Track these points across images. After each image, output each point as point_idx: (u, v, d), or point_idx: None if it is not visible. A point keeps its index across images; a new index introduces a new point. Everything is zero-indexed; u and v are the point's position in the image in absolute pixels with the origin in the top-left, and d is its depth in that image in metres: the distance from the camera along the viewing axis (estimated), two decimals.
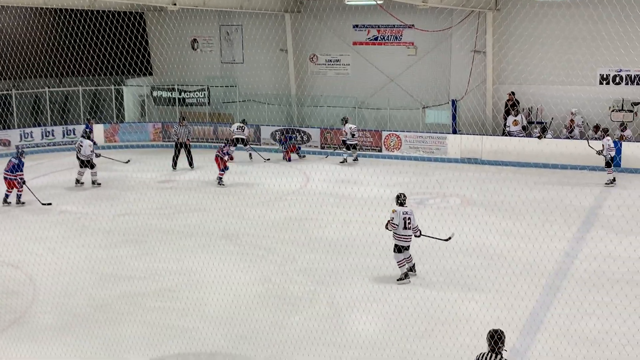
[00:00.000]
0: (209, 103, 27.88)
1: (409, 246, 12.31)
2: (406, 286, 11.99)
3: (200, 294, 11.81)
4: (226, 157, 20.16)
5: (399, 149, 24.13)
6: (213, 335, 10.35)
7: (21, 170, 17.65)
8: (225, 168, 20.06)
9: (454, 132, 24.42)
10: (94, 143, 21.81)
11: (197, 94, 27.75)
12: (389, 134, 24.41)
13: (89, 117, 24.39)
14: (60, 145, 25.44)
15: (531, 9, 23.09)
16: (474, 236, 14.55)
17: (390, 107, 25.60)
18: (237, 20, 28.28)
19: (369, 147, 24.81)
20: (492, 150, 23.05)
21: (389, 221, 12.13)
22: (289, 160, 24.09)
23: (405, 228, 12.11)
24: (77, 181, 19.81)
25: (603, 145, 19.54)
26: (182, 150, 22.53)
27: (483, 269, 12.87)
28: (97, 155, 19.89)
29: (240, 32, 28.54)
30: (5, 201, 17.83)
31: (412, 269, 12.52)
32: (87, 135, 20.30)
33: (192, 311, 11.22)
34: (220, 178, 20.10)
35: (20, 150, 18.11)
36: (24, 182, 17.73)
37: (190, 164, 22.62)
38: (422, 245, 13.98)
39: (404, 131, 24.47)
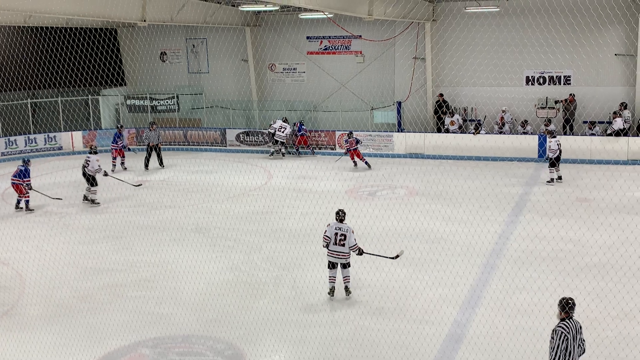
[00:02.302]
0: (178, 109, 27.66)
1: (343, 264, 10.87)
2: (358, 268, 11.97)
3: (175, 282, 11.74)
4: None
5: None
6: (187, 319, 10.30)
7: (28, 177, 17.12)
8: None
9: (399, 130, 24.58)
10: (124, 146, 21.93)
11: (167, 102, 27.51)
12: (342, 134, 24.47)
13: (119, 124, 23.36)
14: (42, 151, 25.02)
15: (464, 19, 23.36)
16: (418, 222, 14.72)
17: (342, 109, 25.66)
18: (202, 34, 28.05)
19: (324, 146, 24.84)
20: (433, 146, 23.25)
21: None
22: (297, 150, 24.25)
23: (336, 244, 10.74)
24: (93, 200, 17.89)
25: (549, 146, 18.96)
26: (153, 152, 22.35)
27: (427, 251, 13.00)
28: (105, 174, 18.16)
29: (205, 44, 28.32)
30: (17, 206, 17.25)
31: (346, 289, 10.97)
32: (94, 150, 18.39)
33: (167, 299, 11.15)
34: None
35: (26, 159, 17.57)
36: (30, 188, 17.24)
37: (161, 163, 22.45)
38: (372, 231, 14.09)
39: (355, 130, 24.52)
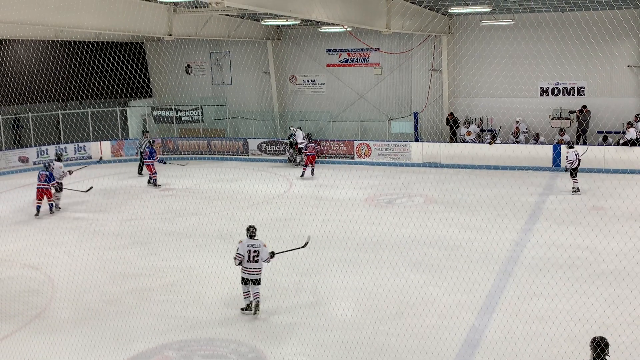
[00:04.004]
0: (202, 120, 27.81)
1: (255, 280, 10.42)
2: (377, 274, 11.94)
3: (200, 287, 11.76)
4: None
5: (369, 156, 24.17)
6: (211, 323, 10.30)
7: (54, 180, 17.50)
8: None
9: (417, 140, 24.50)
10: (161, 160, 21.51)
11: (191, 113, 27.66)
12: (360, 143, 24.44)
13: (150, 139, 22.82)
14: (72, 160, 25.23)
15: (479, 32, 23.28)
16: (436, 229, 14.67)
17: (361, 119, 25.65)
18: (225, 48, 28.22)
19: (343, 155, 24.80)
20: (450, 155, 23.15)
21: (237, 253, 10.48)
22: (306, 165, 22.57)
23: (249, 260, 10.36)
24: (57, 205, 17.97)
25: (567, 157, 18.75)
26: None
27: (444, 258, 12.94)
28: (69, 172, 18.43)
29: (229, 57, 28.48)
30: (37, 214, 17.36)
31: (256, 306, 10.46)
32: (59, 157, 19.09)
33: (192, 303, 11.16)
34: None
35: (46, 164, 17.82)
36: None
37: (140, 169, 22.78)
38: (391, 238, 14.06)
39: (373, 140, 24.51)
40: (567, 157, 18.81)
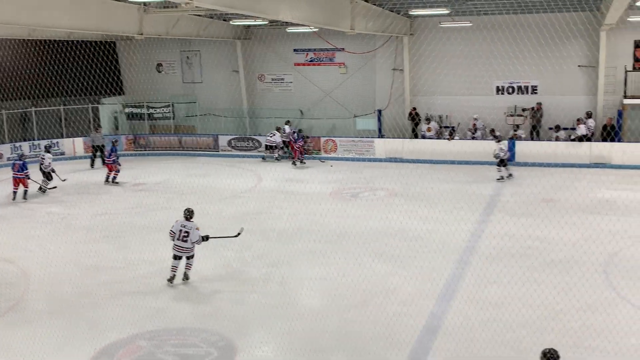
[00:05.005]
0: (173, 117, 27.59)
1: (188, 256, 11.30)
2: (342, 265, 12.03)
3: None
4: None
5: (335, 151, 24.21)
6: (182, 313, 10.28)
7: (27, 169, 18.13)
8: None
9: (380, 136, 24.63)
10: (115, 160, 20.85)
11: (162, 110, 27.42)
12: (327, 139, 24.46)
13: (114, 139, 22.51)
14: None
15: (439, 33, 23.46)
16: (398, 221, 14.79)
17: (327, 117, 25.68)
18: (195, 47, 27.97)
19: (311, 151, 24.80)
20: (411, 151, 23.29)
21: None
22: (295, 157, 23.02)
23: (179, 239, 11.10)
24: (44, 190, 19.09)
25: (495, 149, 19.75)
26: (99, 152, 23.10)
27: (406, 248, 13.06)
28: (52, 171, 19.11)
29: (199, 56, 28.25)
30: (14, 199, 18.08)
31: (185, 275, 11.43)
32: (48, 149, 19.93)
33: (163, 294, 11.10)
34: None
35: (20, 153, 18.26)
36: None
37: (104, 162, 22.33)
38: (356, 230, 14.15)
39: (338, 136, 24.56)
40: (500, 147, 19.54)
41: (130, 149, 26.55)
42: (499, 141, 19.90)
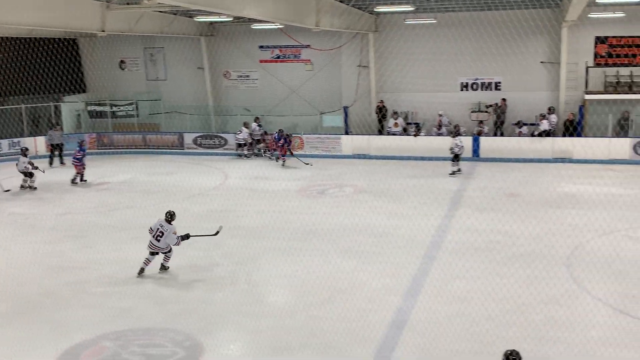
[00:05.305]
0: (137, 115, 27.27)
1: (157, 253, 11.57)
2: (309, 262, 12.04)
3: (136, 279, 11.57)
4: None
5: (302, 148, 24.20)
6: (148, 313, 10.18)
7: None
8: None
9: (346, 133, 24.70)
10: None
11: (126, 108, 27.08)
12: (293, 136, 24.45)
13: (80, 140, 21.55)
14: (7, 155, 24.24)
15: (404, 30, 23.64)
16: (365, 218, 14.90)
17: (293, 114, 25.66)
18: (159, 43, 27.67)
19: (263, 150, 24.60)
20: (378, 147, 23.41)
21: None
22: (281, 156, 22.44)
23: (154, 237, 11.45)
24: (30, 186, 19.16)
25: (457, 144, 19.96)
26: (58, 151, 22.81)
27: (373, 244, 13.13)
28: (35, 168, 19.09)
29: (163, 53, 27.98)
30: None
31: (162, 265, 11.78)
32: (24, 152, 19.28)
33: (129, 294, 10.99)
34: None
35: None
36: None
37: (62, 162, 22.26)
38: (323, 227, 14.19)
39: (305, 133, 24.55)
40: (457, 143, 19.82)
41: (93, 147, 26.16)
42: (454, 136, 20.20)
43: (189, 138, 25.69)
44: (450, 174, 19.77)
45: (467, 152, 21.96)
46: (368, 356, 8.48)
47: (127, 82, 27.99)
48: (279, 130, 22.74)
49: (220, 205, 16.78)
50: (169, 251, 11.70)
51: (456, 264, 11.76)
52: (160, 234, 11.41)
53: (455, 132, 20.56)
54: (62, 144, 23.09)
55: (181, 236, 11.54)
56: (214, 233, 11.99)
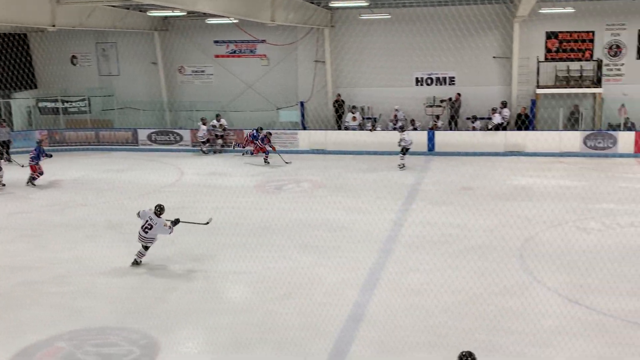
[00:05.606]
0: (89, 111, 26.77)
1: (146, 246, 11.71)
2: (267, 258, 12.05)
3: (91, 278, 11.41)
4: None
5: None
6: (103, 313, 10.04)
7: None
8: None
9: (303, 128, 24.73)
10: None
11: (78, 104, 26.55)
12: (250, 132, 24.35)
13: (38, 140, 21.73)
14: None
15: (359, 25, 23.78)
16: (322, 213, 14.95)
17: (250, 109, 25.54)
18: (111, 38, 27.22)
19: (233, 144, 24.58)
20: (335, 142, 23.48)
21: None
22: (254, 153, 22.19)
23: (142, 228, 11.55)
24: None
25: (404, 138, 20.19)
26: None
27: (330, 239, 13.18)
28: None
29: (115, 48, 27.52)
30: None
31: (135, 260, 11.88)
32: None
33: (83, 293, 10.80)
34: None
35: None
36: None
37: (9, 159, 21.47)
38: (280, 222, 14.20)
39: (262, 129, 24.41)
40: (404, 138, 20.05)
41: (45, 144, 25.59)
42: (402, 131, 20.45)
43: (143, 134, 25.37)
44: (400, 166, 20.07)
45: (423, 146, 22.28)
46: (325, 350, 8.54)
47: (79, 78, 27.46)
48: (258, 127, 22.58)
49: (176, 202, 16.55)
50: (148, 247, 11.79)
51: (412, 257, 11.92)
52: (149, 227, 11.48)
53: (402, 127, 20.81)
54: (9, 141, 22.47)
55: (172, 222, 11.60)
56: (205, 222, 12.00)
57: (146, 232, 11.56)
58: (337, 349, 8.60)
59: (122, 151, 24.79)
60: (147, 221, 11.55)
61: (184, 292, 10.77)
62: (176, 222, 11.71)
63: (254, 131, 22.30)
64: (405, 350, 8.55)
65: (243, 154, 22.82)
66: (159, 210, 11.60)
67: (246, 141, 22.82)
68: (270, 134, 22.15)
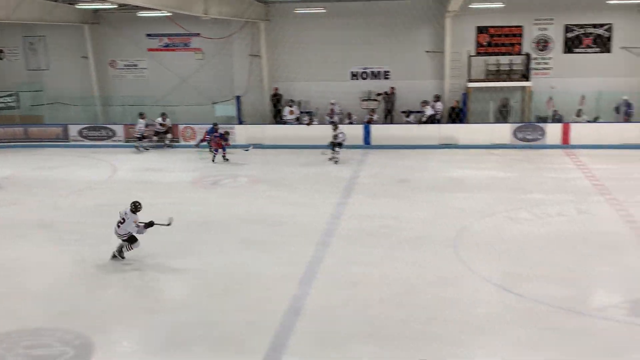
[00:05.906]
0: (18, 107, 25.86)
1: (124, 240, 11.62)
2: (205, 254, 11.95)
3: (22, 278, 11.03)
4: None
5: (194, 139, 23.83)
6: (34, 313, 9.72)
7: None
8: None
9: (240, 122, 24.56)
10: None
11: (6, 99, 25.63)
12: (185, 127, 24.02)
13: None
14: None
15: (294, 19, 23.75)
16: (260, 207, 14.91)
17: (185, 104, 25.18)
18: (40, 32, 26.31)
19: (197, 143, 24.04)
20: (272, 137, 23.42)
21: None
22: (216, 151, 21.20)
23: (117, 225, 11.56)
24: None
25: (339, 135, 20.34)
26: None
27: (269, 233, 13.15)
28: None
29: (44, 42, 26.63)
30: None
31: (115, 254, 11.75)
32: None
33: (14, 294, 10.44)
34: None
35: None
36: None
37: None
38: (218, 218, 14.08)
39: (197, 124, 24.15)
40: (339, 134, 20.16)
41: None
42: (336, 127, 20.58)
43: (74, 130, 24.67)
44: (330, 159, 20.19)
45: (359, 140, 22.47)
46: (264, 345, 8.52)
47: (7, 73, 26.50)
48: (214, 124, 22.17)
49: (110, 199, 16.22)
50: (132, 242, 11.58)
51: (350, 249, 12.02)
52: (122, 221, 11.44)
53: (334, 124, 21.00)
54: None
55: (145, 223, 11.45)
56: (166, 223, 11.65)
57: (118, 227, 11.53)
58: (276, 343, 8.59)
59: (53, 147, 24.05)
60: (120, 215, 11.55)
61: (119, 291, 10.55)
62: (149, 224, 11.54)
63: (210, 128, 22.06)
64: (343, 342, 8.61)
65: (199, 150, 22.35)
66: (134, 207, 11.52)
67: (204, 138, 22.62)
68: (227, 132, 21.67)
